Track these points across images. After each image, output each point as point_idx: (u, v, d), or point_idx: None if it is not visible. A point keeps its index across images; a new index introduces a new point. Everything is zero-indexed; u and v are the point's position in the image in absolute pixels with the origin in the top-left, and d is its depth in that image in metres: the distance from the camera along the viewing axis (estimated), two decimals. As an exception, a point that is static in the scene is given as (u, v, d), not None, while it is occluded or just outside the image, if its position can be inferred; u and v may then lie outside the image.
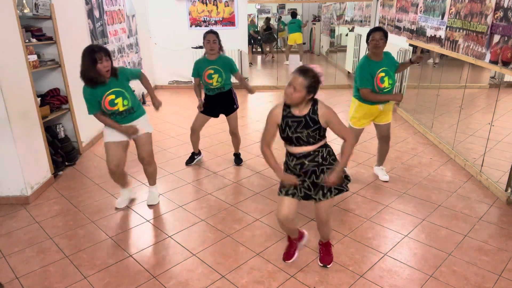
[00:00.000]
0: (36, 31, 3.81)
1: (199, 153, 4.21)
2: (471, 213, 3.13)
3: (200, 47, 7.35)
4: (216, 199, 3.41)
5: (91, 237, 2.89)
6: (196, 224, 3.03)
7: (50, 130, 3.96)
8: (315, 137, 2.18)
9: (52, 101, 3.93)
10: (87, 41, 4.68)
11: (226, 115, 3.94)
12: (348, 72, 8.69)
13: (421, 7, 5.08)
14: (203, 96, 3.92)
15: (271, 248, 2.71)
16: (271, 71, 10.09)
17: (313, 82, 2.10)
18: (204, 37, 3.67)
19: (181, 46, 7.45)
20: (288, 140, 2.23)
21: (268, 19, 11.78)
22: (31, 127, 3.43)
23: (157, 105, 3.20)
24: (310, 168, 2.23)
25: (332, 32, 10.54)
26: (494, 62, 3.45)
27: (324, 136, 2.23)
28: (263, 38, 11.50)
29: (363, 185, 3.63)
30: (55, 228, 3.01)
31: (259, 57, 12.01)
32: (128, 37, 6.27)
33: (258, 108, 6.40)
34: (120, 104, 2.86)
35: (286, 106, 2.20)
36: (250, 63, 10.82)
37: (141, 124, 3.04)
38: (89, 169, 4.06)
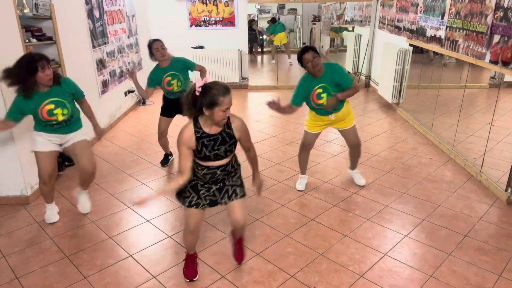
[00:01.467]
0: (36, 31, 3.81)
1: (171, 154, 4.23)
2: (471, 213, 3.13)
3: (201, 47, 7.35)
4: (216, 199, 3.41)
5: (91, 237, 2.89)
6: (196, 224, 3.03)
7: (50, 130, 3.96)
8: (231, 150, 2.16)
9: (52, 101, 3.93)
10: (87, 41, 4.69)
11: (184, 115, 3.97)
12: (348, 72, 8.67)
13: (421, 7, 5.08)
14: (158, 101, 3.97)
15: (271, 248, 2.71)
16: (272, 71, 10.07)
17: None
18: (151, 47, 3.68)
19: (181, 46, 7.44)
20: (205, 159, 2.12)
21: (252, 21, 12.00)
22: (31, 127, 3.42)
23: (99, 133, 3.11)
24: (221, 177, 2.21)
25: (334, 31, 10.55)
26: (494, 62, 3.45)
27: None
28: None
29: (364, 185, 3.63)
30: (55, 228, 3.01)
31: (259, 57, 12.00)
32: (128, 37, 6.26)
33: (257, 108, 6.39)
34: (60, 114, 2.70)
35: (197, 127, 2.05)
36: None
37: (78, 135, 2.90)
38: (89, 169, 4.05)
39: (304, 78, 3.16)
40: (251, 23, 11.91)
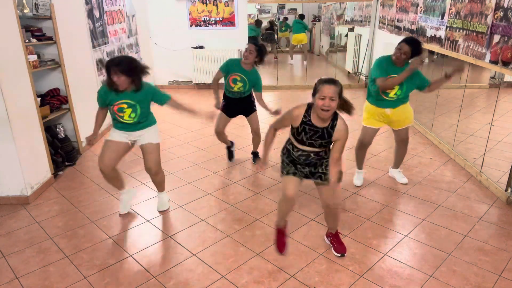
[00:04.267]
0: (36, 31, 3.81)
1: (232, 144, 4.22)
2: (471, 213, 3.13)
3: (201, 47, 7.34)
4: (216, 199, 3.41)
5: (91, 237, 2.89)
6: (196, 224, 3.03)
7: (50, 130, 3.96)
8: (327, 145, 2.32)
9: (52, 101, 3.93)
10: (87, 41, 4.68)
11: (246, 116, 4.00)
12: (348, 72, 8.68)
13: (421, 7, 5.08)
14: (221, 95, 3.93)
15: (271, 248, 2.71)
16: (272, 71, 10.07)
17: (342, 88, 2.21)
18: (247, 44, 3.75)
19: (181, 46, 7.45)
20: (301, 142, 2.31)
21: (271, 22, 12.17)
22: (31, 127, 3.43)
23: (208, 116, 3.05)
24: (314, 161, 2.36)
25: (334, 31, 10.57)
26: (494, 62, 3.45)
27: None
28: (263, 38, 11.60)
29: (363, 185, 3.63)
30: (55, 228, 3.01)
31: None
32: (128, 37, 6.26)
33: (258, 108, 6.38)
34: (127, 115, 2.81)
35: (307, 113, 2.23)
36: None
37: (147, 135, 2.96)
38: (89, 169, 4.06)
39: (386, 59, 3.19)
40: (272, 23, 12.14)
